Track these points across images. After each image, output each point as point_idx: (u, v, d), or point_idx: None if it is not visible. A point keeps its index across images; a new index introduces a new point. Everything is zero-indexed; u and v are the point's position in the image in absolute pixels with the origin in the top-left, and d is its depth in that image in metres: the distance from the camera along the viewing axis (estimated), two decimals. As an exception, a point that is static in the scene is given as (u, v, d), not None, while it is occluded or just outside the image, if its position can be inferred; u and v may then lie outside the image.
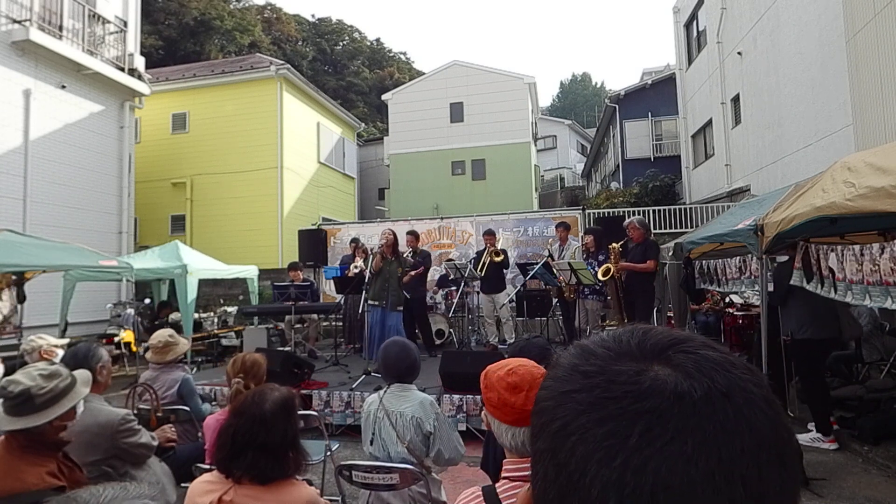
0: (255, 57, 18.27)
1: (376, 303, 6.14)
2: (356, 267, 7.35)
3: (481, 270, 7.31)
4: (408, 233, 7.53)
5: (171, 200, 14.52)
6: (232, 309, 10.18)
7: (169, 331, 3.70)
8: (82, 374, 2.12)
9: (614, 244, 5.75)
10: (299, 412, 1.88)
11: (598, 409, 0.39)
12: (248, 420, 1.70)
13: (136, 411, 3.20)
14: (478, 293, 8.04)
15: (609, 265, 5.68)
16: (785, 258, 4.31)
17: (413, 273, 6.30)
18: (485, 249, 7.45)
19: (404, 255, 6.96)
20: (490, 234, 7.52)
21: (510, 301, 7.86)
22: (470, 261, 7.85)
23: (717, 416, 0.37)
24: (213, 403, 4.15)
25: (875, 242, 2.97)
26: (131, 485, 0.68)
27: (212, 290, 11.56)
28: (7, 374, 3.91)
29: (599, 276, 5.70)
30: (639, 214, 11.36)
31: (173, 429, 3.12)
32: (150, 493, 0.68)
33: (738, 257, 4.69)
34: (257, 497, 1.61)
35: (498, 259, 7.28)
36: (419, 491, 2.32)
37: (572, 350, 0.48)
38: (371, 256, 6.27)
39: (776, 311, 4.50)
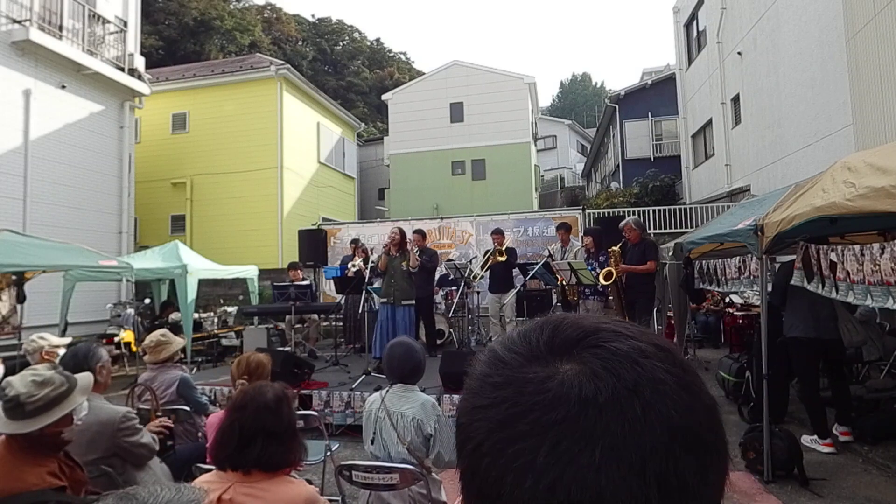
0: (255, 57, 18.27)
1: (385, 300, 6.19)
2: (354, 266, 7.36)
3: (486, 270, 7.32)
4: (414, 231, 7.52)
5: (171, 200, 14.52)
6: (232, 309, 10.17)
7: (161, 330, 3.75)
8: (83, 380, 2.09)
9: (614, 248, 5.76)
10: (300, 412, 1.90)
11: (507, 426, 0.38)
12: (254, 410, 1.72)
13: (136, 411, 3.20)
14: (478, 293, 8.03)
15: (610, 268, 5.68)
16: (786, 258, 4.31)
17: (418, 260, 6.31)
18: (492, 249, 7.46)
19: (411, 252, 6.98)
20: (499, 234, 7.51)
21: (513, 301, 7.85)
22: (471, 260, 7.85)
23: (625, 415, 0.37)
24: (216, 405, 4.16)
25: (875, 242, 2.97)
26: (185, 488, 0.69)
27: (212, 290, 11.56)
28: (7, 374, 3.91)
29: (601, 280, 5.70)
30: (637, 215, 11.37)
31: (165, 419, 3.15)
32: (201, 496, 0.69)
33: (737, 257, 4.69)
34: (257, 495, 1.61)
35: (502, 259, 7.27)
36: (419, 491, 2.32)
37: (484, 356, 0.46)
38: (377, 257, 6.31)
39: (776, 311, 4.50)
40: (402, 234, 6.45)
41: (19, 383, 1.89)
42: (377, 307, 6.85)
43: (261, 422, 1.69)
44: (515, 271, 7.64)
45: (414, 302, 6.36)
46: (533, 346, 0.43)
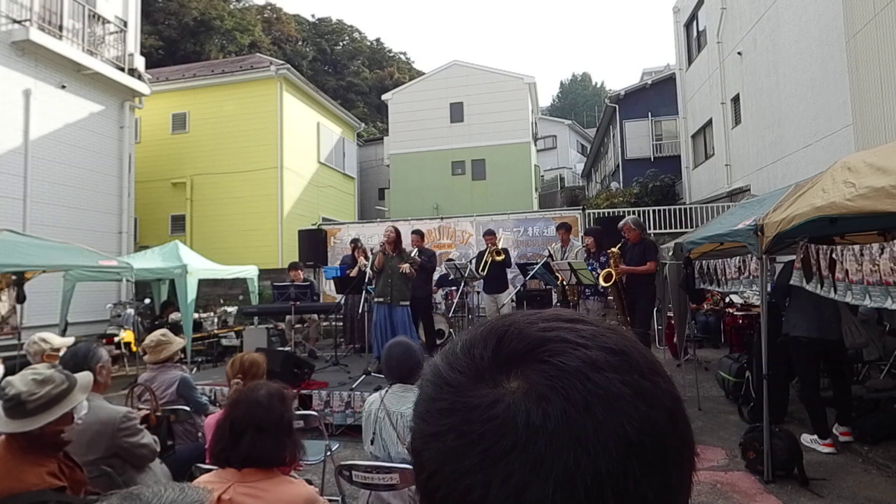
0: (255, 57, 18.27)
1: (381, 299, 6.17)
2: (364, 266, 7.33)
3: (483, 270, 7.31)
4: (413, 232, 7.52)
5: (171, 200, 14.52)
6: (232, 309, 10.17)
7: (162, 330, 3.76)
8: (83, 379, 2.10)
9: (613, 249, 5.75)
10: (300, 412, 1.90)
11: (456, 458, 0.37)
12: (245, 406, 1.74)
13: (136, 411, 3.20)
14: (478, 293, 8.03)
15: (610, 270, 5.67)
16: (787, 258, 4.31)
17: (413, 268, 6.30)
18: (486, 250, 7.45)
19: (409, 253, 6.96)
20: (490, 234, 7.51)
21: (511, 301, 7.86)
22: (470, 261, 7.84)
23: (577, 439, 0.35)
24: (216, 405, 4.16)
25: (875, 242, 2.97)
26: (189, 488, 0.69)
27: (212, 290, 11.56)
28: (7, 374, 3.90)
29: (601, 282, 5.70)
30: (637, 215, 11.37)
31: (157, 413, 3.16)
32: (205, 497, 0.69)
33: (737, 257, 4.69)
34: (256, 495, 1.61)
35: (499, 259, 7.28)
36: (419, 491, 2.32)
37: (429, 373, 0.43)
38: (373, 256, 6.28)
39: (777, 311, 4.50)
40: (398, 232, 6.43)
41: (20, 382, 1.90)
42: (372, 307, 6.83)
43: (251, 417, 1.70)
44: (513, 271, 7.64)
45: (409, 302, 6.36)
46: (477, 361, 0.40)
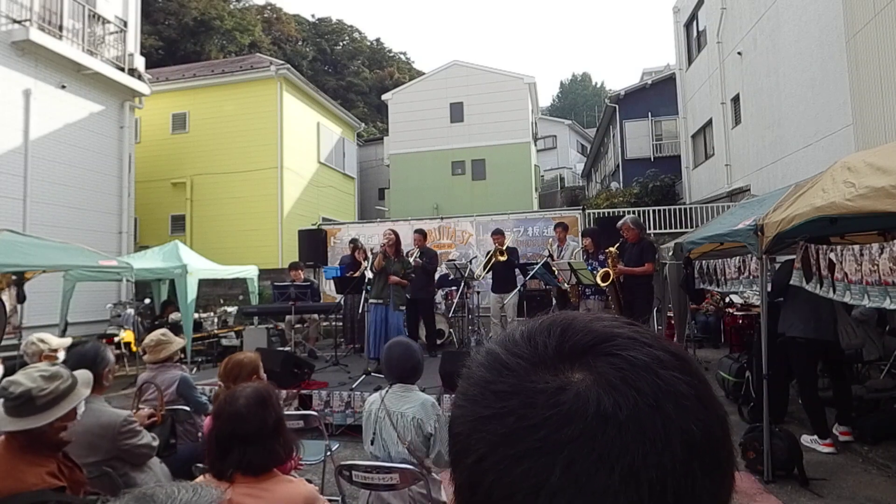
0: (255, 57, 18.27)
1: (379, 301, 6.16)
2: (364, 268, 7.32)
3: (488, 270, 7.32)
4: (415, 231, 7.51)
5: (171, 200, 14.52)
6: (232, 309, 10.17)
7: (161, 330, 3.75)
8: (83, 375, 2.11)
9: (611, 248, 5.75)
10: (300, 412, 1.88)
11: (514, 441, 0.35)
12: (226, 419, 1.71)
13: (139, 409, 3.21)
14: (478, 293, 8.03)
15: (608, 270, 5.68)
16: (786, 258, 4.31)
17: (410, 275, 6.32)
18: (494, 249, 7.46)
19: (410, 254, 6.96)
20: (499, 234, 7.51)
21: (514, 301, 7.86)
22: (471, 260, 7.84)
23: (646, 433, 0.34)
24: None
25: (875, 242, 2.97)
26: (203, 489, 0.69)
27: (212, 290, 11.56)
28: (7, 374, 3.90)
29: (599, 281, 5.70)
30: (637, 215, 11.37)
31: (163, 411, 3.16)
32: (218, 496, 0.68)
33: (737, 257, 4.69)
34: (256, 495, 1.61)
35: (502, 258, 7.27)
36: (419, 491, 2.32)
37: (482, 358, 0.42)
38: (373, 256, 6.28)
39: (777, 311, 4.50)
40: (397, 235, 6.42)
41: (27, 379, 1.90)
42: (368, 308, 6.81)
43: (233, 431, 1.67)
44: (515, 272, 7.64)
45: (405, 308, 6.35)
46: (539, 350, 0.40)
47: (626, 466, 0.33)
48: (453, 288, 8.11)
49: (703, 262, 5.54)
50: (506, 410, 0.37)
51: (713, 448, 0.36)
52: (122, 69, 11.25)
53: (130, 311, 9.10)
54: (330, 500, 2.13)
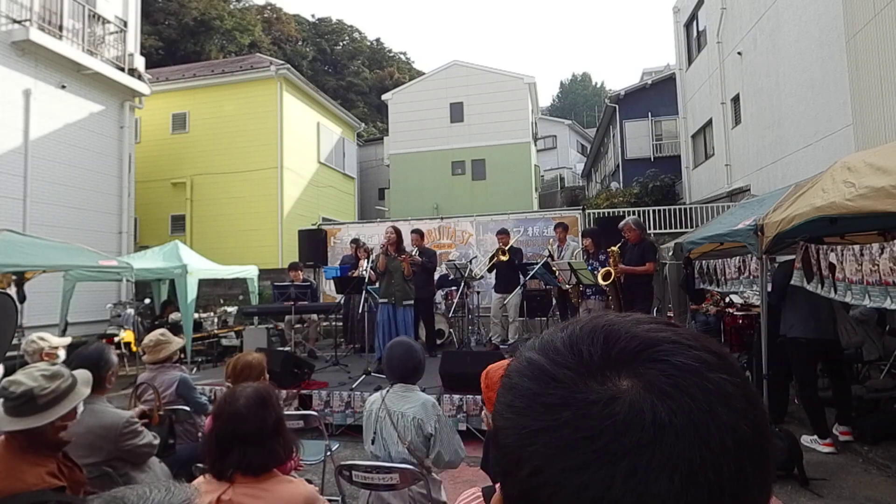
0: (255, 57, 18.27)
1: (385, 300, 6.18)
2: (364, 270, 7.32)
3: (492, 269, 7.32)
4: (412, 231, 7.52)
5: (171, 200, 14.52)
6: (232, 309, 10.17)
7: (161, 330, 3.74)
8: (82, 374, 2.12)
9: (613, 248, 5.76)
10: (300, 412, 1.88)
11: (571, 453, 0.36)
12: (226, 419, 1.71)
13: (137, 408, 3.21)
14: (478, 293, 8.03)
15: (609, 269, 5.68)
16: (785, 258, 4.31)
17: (413, 265, 6.31)
18: (497, 248, 7.47)
19: (409, 254, 6.97)
20: (504, 234, 7.52)
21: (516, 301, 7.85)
22: (471, 260, 7.84)
23: (702, 438, 0.35)
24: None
25: (875, 242, 2.97)
26: (176, 487, 0.69)
27: (212, 290, 11.56)
28: (7, 374, 3.90)
29: (600, 280, 5.71)
30: (637, 215, 11.38)
31: (160, 412, 3.16)
32: (192, 495, 0.68)
33: (737, 257, 4.69)
34: (255, 495, 1.61)
35: (504, 258, 7.28)
36: (419, 491, 2.32)
37: (524, 368, 0.42)
38: (375, 257, 6.30)
39: (777, 311, 4.50)
40: (398, 232, 6.44)
41: (28, 379, 1.90)
42: (374, 307, 6.84)
43: (233, 431, 1.67)
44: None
45: (413, 302, 6.36)
46: (585, 359, 0.40)
47: (685, 472, 0.34)
48: (453, 288, 8.12)
49: (703, 262, 5.54)
50: (559, 423, 0.37)
51: (761, 443, 0.37)
52: (122, 69, 11.25)
53: (130, 311, 9.10)
54: (330, 500, 2.13)
